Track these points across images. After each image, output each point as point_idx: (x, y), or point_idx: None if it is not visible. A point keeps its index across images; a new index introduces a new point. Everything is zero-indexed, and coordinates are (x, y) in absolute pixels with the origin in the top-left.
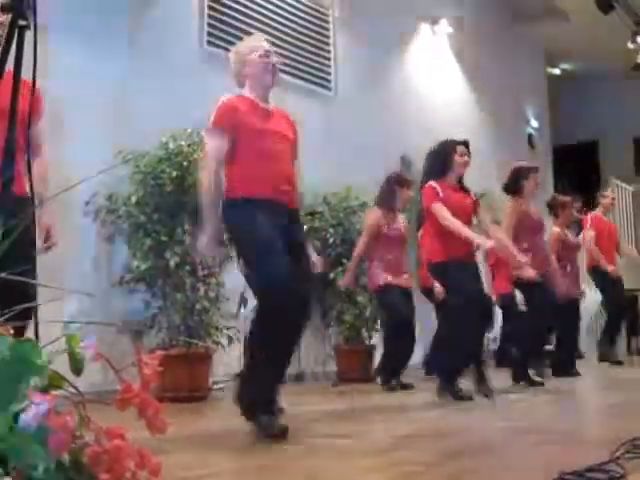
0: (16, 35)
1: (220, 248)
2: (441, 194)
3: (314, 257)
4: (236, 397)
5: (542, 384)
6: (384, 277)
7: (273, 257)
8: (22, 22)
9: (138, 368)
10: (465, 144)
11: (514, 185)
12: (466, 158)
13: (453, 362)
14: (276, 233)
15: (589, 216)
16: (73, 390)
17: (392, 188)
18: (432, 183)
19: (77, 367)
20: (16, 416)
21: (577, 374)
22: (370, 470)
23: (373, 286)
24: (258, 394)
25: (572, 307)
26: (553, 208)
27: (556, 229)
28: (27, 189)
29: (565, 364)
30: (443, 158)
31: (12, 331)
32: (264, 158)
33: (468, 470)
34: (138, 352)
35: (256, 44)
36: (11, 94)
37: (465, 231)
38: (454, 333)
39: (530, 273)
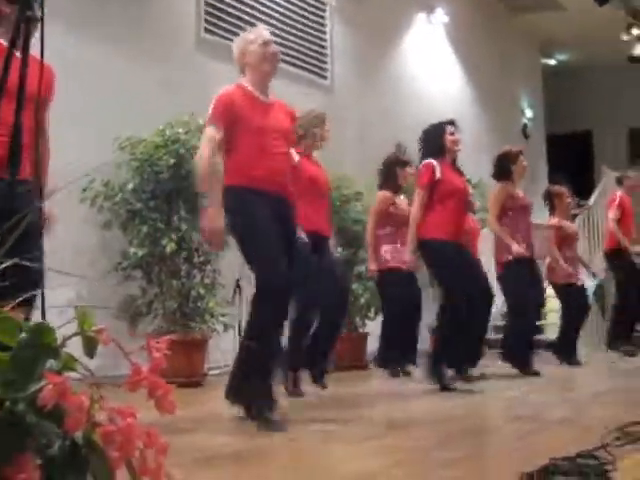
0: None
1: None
2: (439, 174)
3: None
4: (234, 393)
5: (537, 374)
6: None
7: (272, 250)
8: (29, 13)
9: (147, 352)
10: (452, 123)
11: (503, 170)
12: (457, 136)
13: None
14: (274, 225)
15: (617, 194)
16: (85, 372)
17: (393, 169)
18: (431, 160)
19: (90, 349)
20: (34, 395)
21: (578, 363)
22: (363, 456)
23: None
24: (259, 388)
25: (575, 292)
26: (549, 199)
27: (554, 219)
28: (29, 173)
29: (567, 351)
30: (436, 140)
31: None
32: (261, 153)
33: (460, 456)
34: (147, 337)
35: (257, 34)
36: (19, 80)
37: (413, 228)
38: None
39: (517, 249)
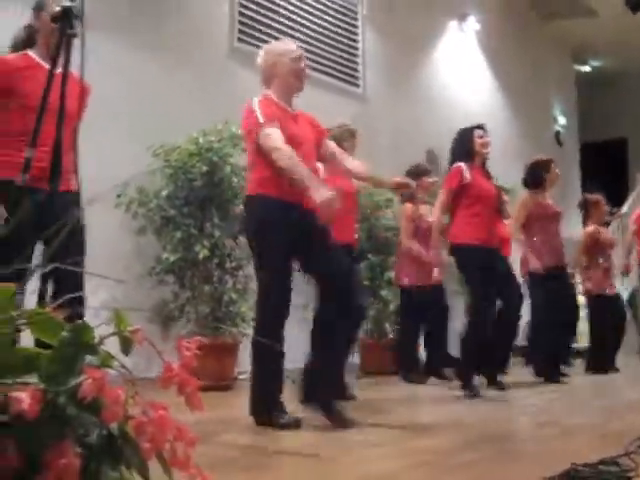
0: (65, 43)
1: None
2: (469, 177)
3: None
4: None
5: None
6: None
7: (283, 280)
8: (70, 31)
9: (178, 351)
10: (481, 127)
11: (536, 179)
12: (486, 139)
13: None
14: (288, 242)
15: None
16: (122, 369)
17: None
18: (461, 164)
19: (126, 347)
20: (74, 388)
21: (615, 369)
22: (384, 458)
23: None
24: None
25: (605, 302)
26: (586, 207)
27: (590, 227)
28: (75, 185)
29: (601, 360)
30: (465, 144)
31: (63, 316)
32: None
33: (481, 459)
34: (179, 338)
35: (290, 47)
36: (60, 96)
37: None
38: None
39: (534, 264)
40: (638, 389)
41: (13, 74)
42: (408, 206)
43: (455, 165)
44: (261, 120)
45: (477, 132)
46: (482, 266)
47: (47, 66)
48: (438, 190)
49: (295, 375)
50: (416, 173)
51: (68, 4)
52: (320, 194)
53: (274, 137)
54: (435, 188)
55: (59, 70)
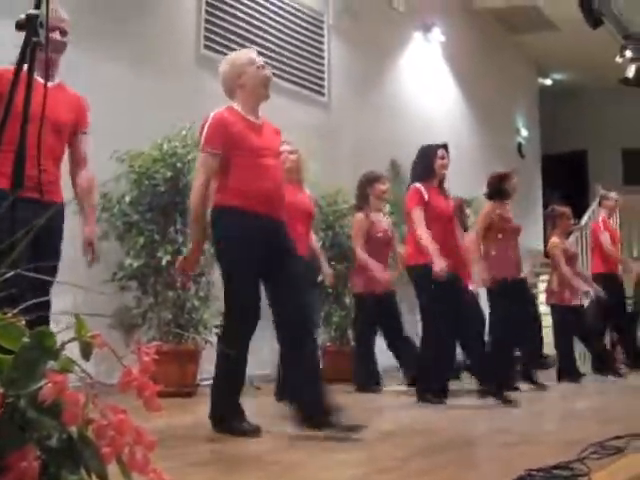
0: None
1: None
2: (426, 197)
3: (325, 269)
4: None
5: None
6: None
7: (248, 287)
8: (35, 39)
9: (137, 356)
10: (444, 147)
11: (498, 191)
12: (446, 160)
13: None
14: (255, 259)
15: (600, 219)
16: (82, 374)
17: (364, 190)
18: (418, 185)
19: (86, 352)
20: (35, 393)
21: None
22: (347, 464)
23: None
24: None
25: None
26: (552, 218)
27: (555, 239)
28: (63, 197)
29: (571, 369)
30: (425, 162)
31: (24, 322)
32: (256, 174)
33: (440, 466)
34: (137, 342)
35: (252, 55)
36: (23, 102)
37: (431, 247)
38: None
39: (484, 279)
40: (599, 397)
41: (5, 85)
42: (358, 215)
43: (412, 187)
44: (202, 142)
45: (440, 152)
46: (438, 288)
47: (40, 79)
48: (398, 197)
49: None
50: (368, 180)
51: (33, 12)
52: (189, 251)
53: (202, 165)
54: (388, 195)
55: (50, 83)
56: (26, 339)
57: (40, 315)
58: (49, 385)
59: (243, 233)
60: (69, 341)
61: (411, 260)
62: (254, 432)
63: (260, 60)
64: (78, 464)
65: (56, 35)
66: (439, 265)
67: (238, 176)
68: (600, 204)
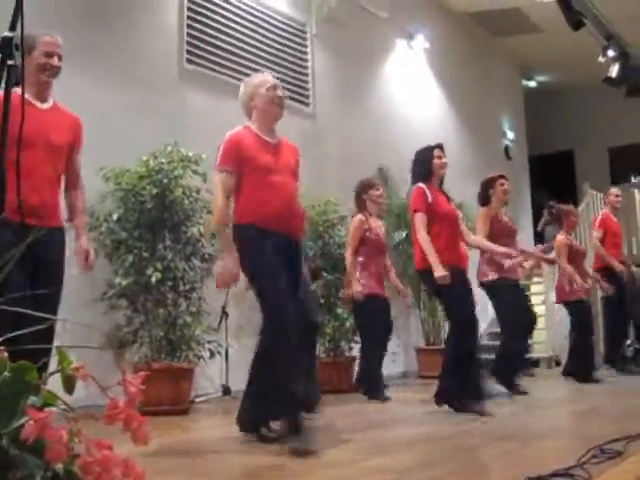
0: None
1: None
2: (430, 198)
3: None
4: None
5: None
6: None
7: (279, 291)
8: (10, 62)
9: (123, 387)
10: (440, 147)
11: (484, 196)
12: (444, 160)
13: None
14: (281, 266)
15: (600, 215)
16: (65, 407)
17: (360, 197)
18: (421, 185)
19: (69, 387)
20: (17, 430)
21: (595, 380)
22: (344, 477)
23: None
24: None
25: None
26: (557, 217)
27: (561, 236)
28: (62, 221)
29: (580, 369)
30: (423, 164)
31: (6, 353)
32: (271, 193)
33: (439, 477)
34: (123, 372)
35: (265, 78)
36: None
37: (431, 256)
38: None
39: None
40: (605, 398)
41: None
42: (357, 217)
43: (415, 187)
44: (218, 161)
45: (436, 152)
46: (457, 285)
47: (36, 104)
48: (396, 204)
49: None
50: (363, 187)
51: (8, 34)
52: (224, 266)
53: (215, 182)
54: (384, 201)
55: (46, 106)
56: (6, 374)
57: (40, 348)
58: (31, 423)
59: (260, 243)
60: (51, 374)
61: (420, 264)
62: (275, 439)
63: (273, 81)
64: None
65: (54, 61)
66: (438, 273)
67: (250, 194)
68: (604, 201)
